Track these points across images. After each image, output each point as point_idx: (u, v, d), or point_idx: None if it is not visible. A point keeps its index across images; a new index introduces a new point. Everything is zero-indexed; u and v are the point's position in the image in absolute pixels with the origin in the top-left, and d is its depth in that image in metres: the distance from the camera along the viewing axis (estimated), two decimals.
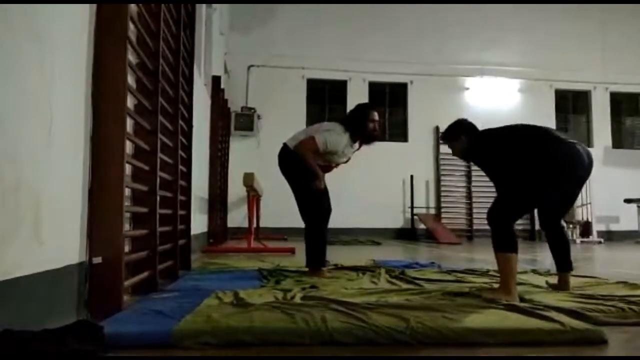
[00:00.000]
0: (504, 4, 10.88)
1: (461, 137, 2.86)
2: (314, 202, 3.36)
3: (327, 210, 3.47)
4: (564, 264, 2.76)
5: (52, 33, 1.69)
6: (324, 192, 3.44)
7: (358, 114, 3.46)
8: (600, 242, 9.42)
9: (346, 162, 3.62)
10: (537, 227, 10.70)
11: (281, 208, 9.28)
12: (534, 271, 3.60)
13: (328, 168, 3.54)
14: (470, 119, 2.96)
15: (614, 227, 10.79)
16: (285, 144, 3.49)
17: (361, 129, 3.40)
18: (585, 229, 9.82)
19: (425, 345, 1.64)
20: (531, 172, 2.52)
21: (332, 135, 3.34)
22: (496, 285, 2.57)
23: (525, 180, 2.53)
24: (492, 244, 2.51)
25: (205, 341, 1.59)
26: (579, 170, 2.60)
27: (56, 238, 1.73)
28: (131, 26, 2.26)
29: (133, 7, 2.37)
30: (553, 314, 1.90)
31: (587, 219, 10.05)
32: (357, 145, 3.56)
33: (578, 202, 10.38)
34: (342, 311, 1.89)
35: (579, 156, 2.58)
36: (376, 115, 3.47)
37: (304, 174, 3.34)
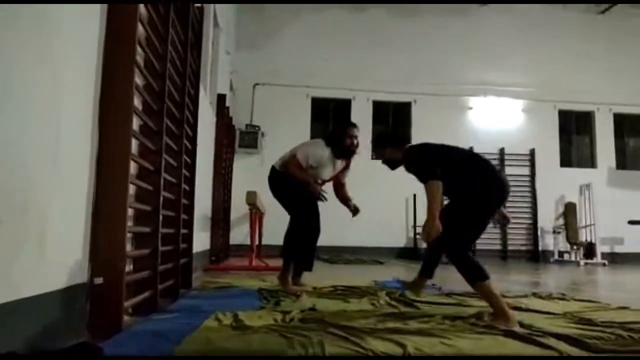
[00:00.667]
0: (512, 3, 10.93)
1: (387, 148, 3.09)
2: (304, 215, 3.62)
3: (315, 229, 3.68)
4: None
5: (60, 56, 1.73)
6: (314, 211, 3.66)
7: (337, 130, 3.74)
8: (604, 264, 9.35)
9: (329, 180, 3.80)
10: (540, 247, 10.68)
11: (283, 226, 9.31)
12: (535, 294, 3.59)
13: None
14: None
15: (618, 248, 10.72)
16: (273, 167, 3.75)
17: (339, 143, 3.63)
18: (589, 250, 9.76)
19: None
20: (475, 196, 2.64)
21: (313, 148, 3.63)
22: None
23: (469, 205, 2.63)
24: (464, 278, 2.53)
25: None
26: (506, 196, 2.74)
27: (60, 259, 1.76)
28: (138, 49, 2.32)
29: (141, 31, 2.43)
30: (551, 342, 1.91)
31: (591, 240, 10.00)
32: (343, 163, 3.70)
33: (582, 222, 10.35)
34: (340, 335, 1.90)
35: (507, 184, 2.76)
36: (354, 132, 3.71)
37: (292, 193, 3.59)
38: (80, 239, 1.93)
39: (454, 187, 2.71)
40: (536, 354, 1.76)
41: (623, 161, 11.42)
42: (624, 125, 11.57)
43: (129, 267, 2.49)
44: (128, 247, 2.34)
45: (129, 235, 2.32)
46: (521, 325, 2.32)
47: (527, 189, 10.96)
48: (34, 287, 1.57)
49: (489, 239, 10.61)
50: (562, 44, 11.23)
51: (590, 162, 11.39)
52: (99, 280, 1.95)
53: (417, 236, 10.19)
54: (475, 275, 2.49)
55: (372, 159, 10.47)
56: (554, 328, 2.23)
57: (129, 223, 2.32)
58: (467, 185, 2.67)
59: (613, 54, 11.38)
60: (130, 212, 2.39)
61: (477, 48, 11.06)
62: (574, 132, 11.56)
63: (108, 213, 2.03)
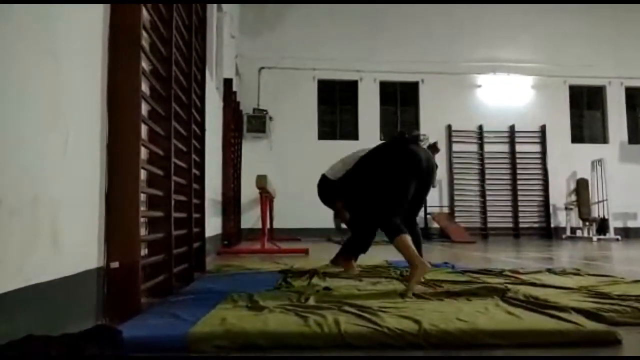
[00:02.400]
0: (515, 3, 10.78)
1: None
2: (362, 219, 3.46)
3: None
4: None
5: (66, 46, 1.73)
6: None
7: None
8: (617, 240, 9.30)
9: None
10: (552, 224, 10.63)
11: (294, 209, 9.37)
12: (549, 270, 3.58)
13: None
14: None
15: (631, 223, 10.65)
16: (324, 175, 3.61)
17: None
18: (602, 226, 9.70)
19: (438, 347, 1.64)
20: (386, 175, 2.95)
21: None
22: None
23: (384, 182, 2.95)
24: (388, 238, 2.80)
25: (220, 345, 1.61)
26: (419, 170, 2.99)
27: (74, 244, 1.77)
28: (144, 34, 2.30)
29: (146, 16, 2.41)
30: (567, 315, 1.90)
31: (604, 216, 9.93)
32: None
33: (594, 198, 10.27)
34: (355, 313, 1.91)
35: (419, 159, 2.98)
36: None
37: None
38: (95, 224, 1.94)
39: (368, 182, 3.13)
40: (552, 327, 1.75)
41: (635, 136, 11.28)
42: (636, 99, 11.39)
43: (144, 251, 2.51)
44: (142, 231, 2.36)
45: (142, 219, 2.34)
46: (536, 300, 2.31)
47: (539, 165, 10.88)
48: (50, 272, 1.59)
49: (500, 217, 10.58)
50: (571, 18, 11.02)
51: (602, 137, 11.27)
52: (115, 265, 1.97)
53: (428, 216, 10.19)
54: (394, 232, 2.75)
55: (381, 140, 10.48)
56: (570, 302, 2.22)
57: (142, 208, 2.34)
58: (379, 171, 3.01)
59: (623, 27, 11.15)
60: (142, 197, 2.40)
61: (485, 25, 10.90)
62: (585, 107, 11.41)
63: (121, 198, 2.04)
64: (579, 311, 2.01)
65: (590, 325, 1.78)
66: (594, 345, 1.66)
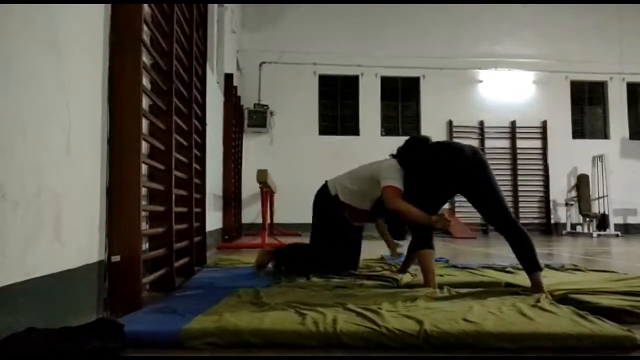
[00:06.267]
0: (516, 3, 10.73)
1: None
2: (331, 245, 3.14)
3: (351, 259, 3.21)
4: (526, 264, 2.48)
5: (68, 39, 1.72)
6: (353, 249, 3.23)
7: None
8: (617, 235, 9.31)
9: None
10: (552, 220, 10.63)
11: (295, 203, 9.36)
12: (548, 266, 3.57)
13: (362, 215, 3.16)
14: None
15: (631, 219, 10.65)
16: (326, 183, 3.25)
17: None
18: (602, 222, 9.70)
19: (439, 349, 1.57)
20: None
21: (395, 168, 2.87)
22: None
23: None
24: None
25: (212, 342, 1.58)
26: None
27: (76, 238, 1.78)
28: (145, 28, 2.30)
29: (147, 10, 2.40)
30: (581, 319, 1.77)
31: (604, 211, 9.93)
32: None
33: (595, 194, 10.26)
34: (358, 312, 1.85)
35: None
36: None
37: (332, 220, 3.15)
38: (96, 218, 1.95)
39: None
40: (566, 330, 1.64)
41: (637, 131, 11.25)
42: (638, 94, 11.36)
43: (145, 245, 2.52)
44: (143, 225, 2.37)
45: (144, 214, 2.34)
46: (566, 298, 2.20)
47: (539, 161, 10.87)
48: (52, 265, 1.60)
49: None
50: (572, 14, 10.97)
51: (603, 133, 11.24)
52: (116, 258, 1.98)
53: None
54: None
55: (382, 135, 10.47)
56: (600, 300, 2.09)
57: (144, 202, 2.34)
58: None
59: (625, 23, 11.10)
60: (144, 191, 2.41)
61: (486, 20, 10.85)
62: (587, 102, 11.38)
63: (122, 192, 2.04)
64: (614, 310, 1.90)
65: (607, 328, 1.66)
66: (610, 349, 1.55)
